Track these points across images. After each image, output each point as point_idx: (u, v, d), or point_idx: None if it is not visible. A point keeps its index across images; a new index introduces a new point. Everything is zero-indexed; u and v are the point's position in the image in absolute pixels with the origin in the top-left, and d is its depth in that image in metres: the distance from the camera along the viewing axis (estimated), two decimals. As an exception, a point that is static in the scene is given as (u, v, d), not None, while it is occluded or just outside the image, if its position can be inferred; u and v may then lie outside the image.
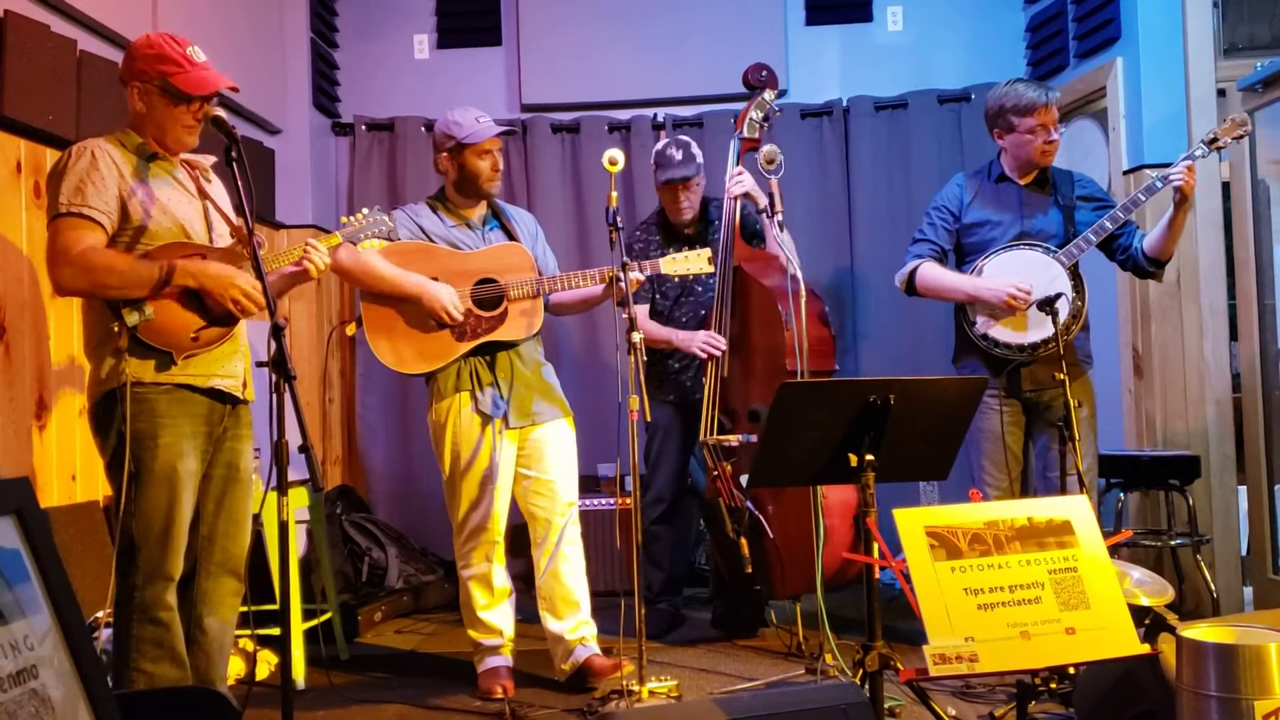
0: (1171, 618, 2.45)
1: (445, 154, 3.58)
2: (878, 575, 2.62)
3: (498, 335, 3.52)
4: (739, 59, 4.15)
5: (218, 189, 2.95)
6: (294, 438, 2.36)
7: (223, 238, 2.84)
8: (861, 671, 2.54)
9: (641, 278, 3.45)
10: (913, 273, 3.82)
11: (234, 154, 2.52)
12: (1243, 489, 4.35)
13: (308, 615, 3.95)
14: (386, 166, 5.49)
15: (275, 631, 3.34)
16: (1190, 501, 4.23)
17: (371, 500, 5.36)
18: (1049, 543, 2.38)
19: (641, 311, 4.19)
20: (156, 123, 2.74)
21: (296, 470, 2.48)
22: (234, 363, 2.83)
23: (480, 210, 3.67)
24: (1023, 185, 3.77)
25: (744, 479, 3.83)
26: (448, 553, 3.84)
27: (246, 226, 2.54)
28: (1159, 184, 3.51)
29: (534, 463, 3.60)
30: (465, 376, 3.53)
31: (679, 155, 4.11)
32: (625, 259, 3.37)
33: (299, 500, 3.88)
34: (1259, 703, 1.94)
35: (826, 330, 3.99)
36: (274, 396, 2.39)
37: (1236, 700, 1.96)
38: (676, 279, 4.13)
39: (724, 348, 3.96)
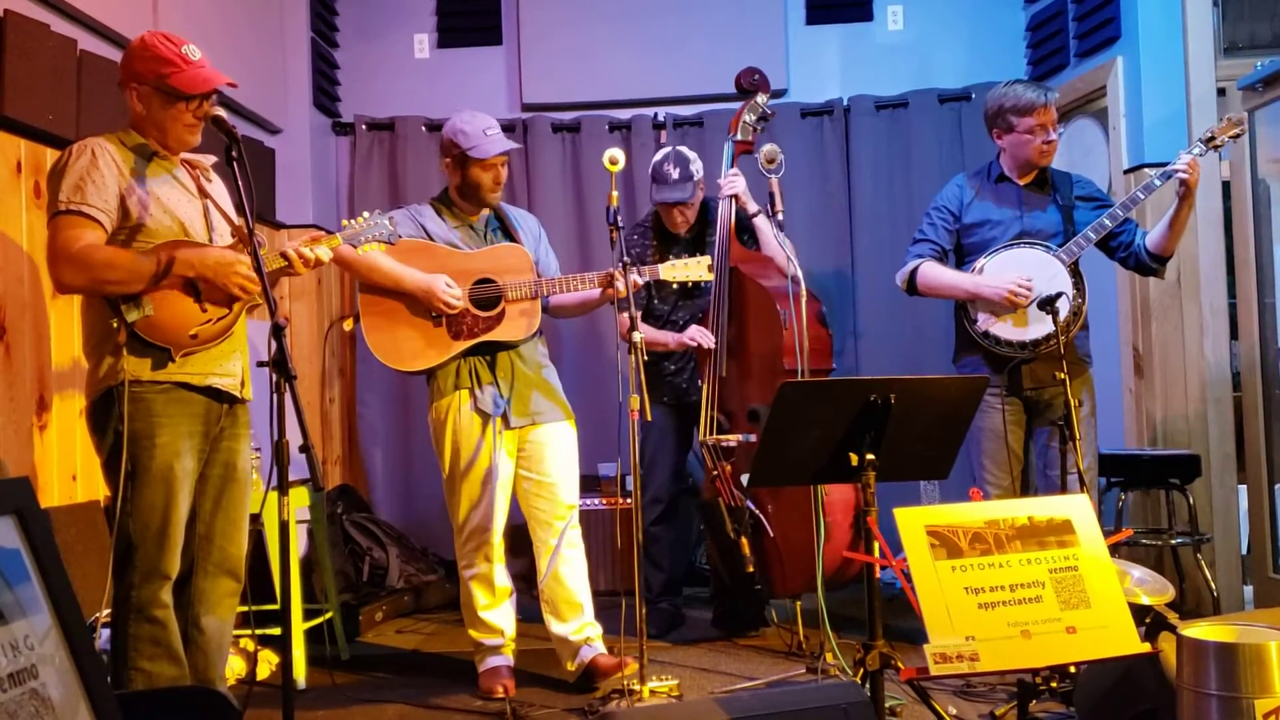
0: (1172, 617, 2.45)
1: (449, 160, 3.59)
2: (878, 574, 2.62)
3: (494, 335, 3.52)
4: (739, 58, 4.16)
5: (218, 188, 2.95)
6: (295, 437, 2.36)
7: (223, 237, 2.84)
8: (862, 670, 2.54)
9: (640, 282, 3.44)
10: (913, 272, 3.82)
11: (234, 154, 2.52)
12: (1243, 488, 4.35)
13: (309, 615, 3.96)
14: (387, 166, 5.49)
15: (276, 631, 3.35)
16: (1191, 500, 4.23)
17: (372, 500, 5.36)
18: (1050, 542, 2.38)
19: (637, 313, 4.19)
20: (156, 123, 2.74)
21: (297, 470, 2.48)
22: (232, 362, 2.82)
23: (483, 213, 3.68)
24: (1022, 185, 3.78)
25: (744, 478, 3.84)
26: (449, 552, 3.84)
27: (247, 226, 2.54)
28: (1158, 181, 3.52)
29: (534, 464, 3.59)
30: (465, 375, 3.53)
31: (675, 174, 4.07)
32: (625, 259, 3.38)
33: (300, 500, 3.88)
34: (1259, 701, 1.94)
35: (824, 329, 3.99)
36: (275, 396, 2.39)
37: (1237, 699, 1.96)
38: (675, 285, 4.13)
39: (712, 341, 3.97)
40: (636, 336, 3.27)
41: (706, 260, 3.58)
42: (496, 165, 3.56)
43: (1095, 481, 3.80)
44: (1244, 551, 4.45)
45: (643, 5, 5.41)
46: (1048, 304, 3.42)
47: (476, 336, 3.51)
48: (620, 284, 3.37)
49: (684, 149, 4.20)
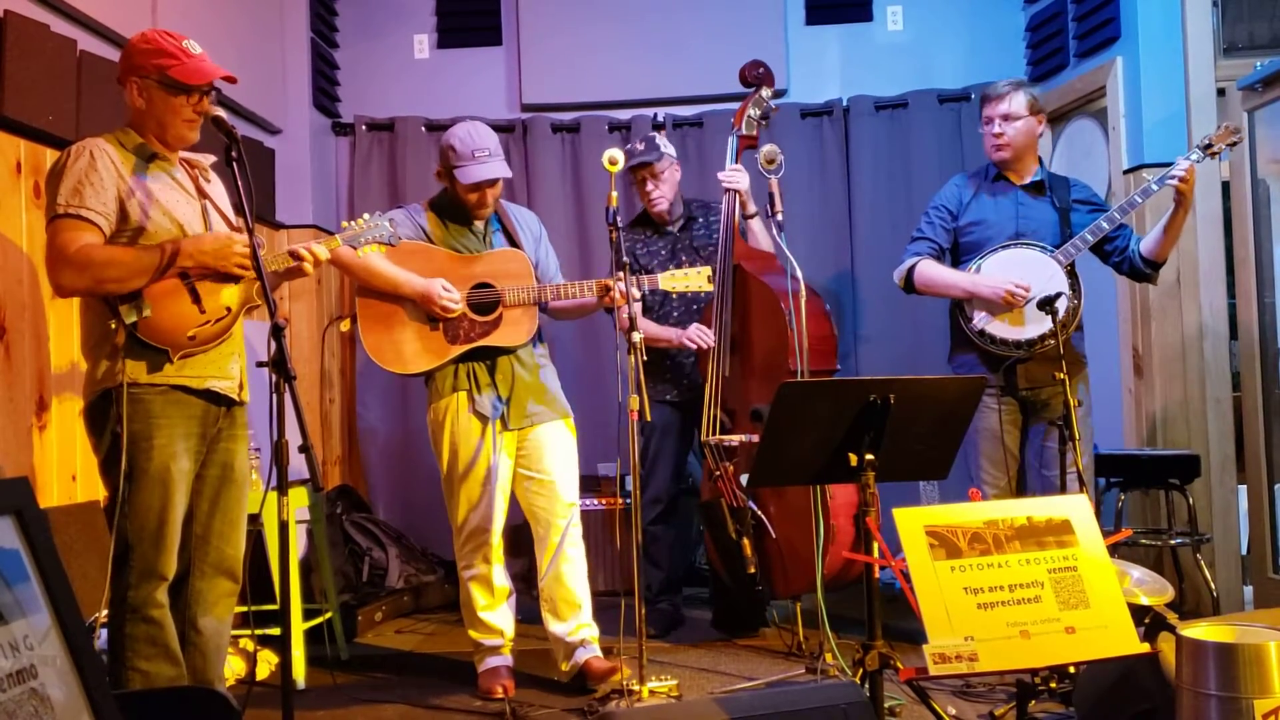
0: (1171, 617, 2.45)
1: (440, 169, 3.59)
2: (878, 575, 2.62)
3: (492, 340, 3.52)
4: (739, 59, 4.15)
5: (217, 188, 2.95)
6: (294, 438, 2.36)
7: (221, 237, 2.83)
8: (861, 671, 2.54)
9: (638, 294, 3.42)
10: (911, 270, 3.85)
11: (234, 154, 2.52)
12: (1243, 488, 4.34)
13: (308, 615, 3.96)
14: (387, 166, 5.49)
15: (275, 631, 3.35)
16: (1190, 500, 4.23)
17: (372, 500, 5.36)
18: (1049, 542, 2.38)
19: (636, 310, 4.19)
20: (156, 118, 2.73)
21: (296, 470, 2.48)
22: (230, 365, 2.82)
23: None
24: (1019, 186, 3.80)
25: (745, 478, 3.83)
26: (448, 553, 3.84)
27: (247, 227, 2.54)
28: (1155, 186, 3.54)
29: (534, 463, 3.59)
30: (463, 377, 3.53)
31: (641, 145, 4.16)
32: (626, 260, 3.37)
33: (299, 500, 3.88)
34: (1259, 702, 1.94)
35: (829, 329, 3.99)
36: (274, 396, 2.39)
37: (1236, 699, 1.96)
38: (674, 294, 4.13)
39: (711, 341, 3.97)
40: (636, 337, 3.27)
41: (706, 271, 3.57)
42: (482, 189, 3.53)
43: (1091, 481, 3.80)
44: (1243, 552, 4.44)
45: (642, 6, 5.41)
46: (1047, 304, 3.43)
47: (473, 341, 3.51)
48: (619, 288, 3.37)
49: (655, 133, 4.27)
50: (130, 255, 2.61)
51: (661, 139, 4.20)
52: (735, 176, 3.97)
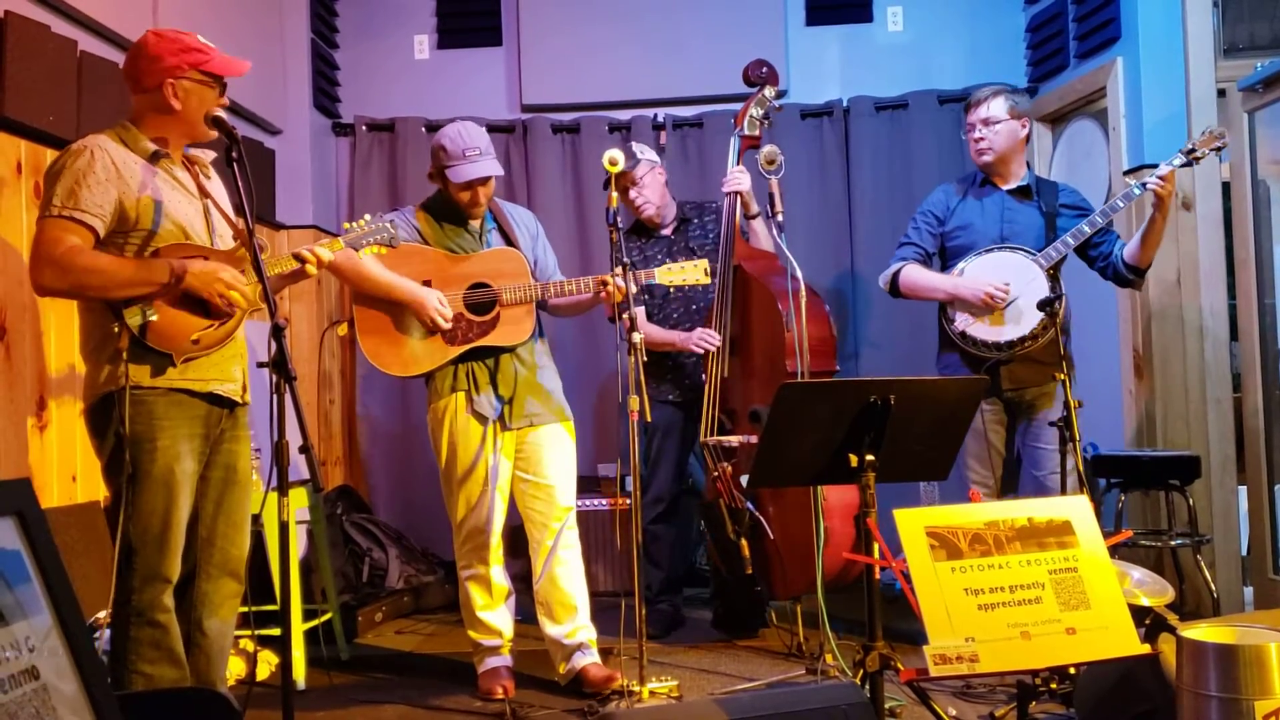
0: (1172, 618, 2.45)
1: (433, 169, 3.59)
2: (878, 575, 2.62)
3: (489, 340, 3.51)
4: (739, 59, 4.15)
5: (216, 186, 2.92)
6: (294, 438, 2.36)
7: (223, 238, 2.82)
8: (862, 672, 2.54)
9: (634, 289, 3.42)
10: (896, 274, 3.93)
11: (235, 154, 2.52)
12: (1243, 489, 4.34)
13: (308, 616, 3.96)
14: (387, 167, 5.49)
15: (276, 632, 3.34)
16: (1190, 501, 4.22)
17: (372, 501, 5.36)
18: (1049, 543, 2.38)
19: (641, 314, 4.20)
20: (189, 117, 2.72)
21: (297, 471, 2.48)
22: (234, 368, 2.82)
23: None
24: (1005, 191, 3.86)
25: (744, 479, 3.83)
26: (448, 553, 3.84)
27: (247, 228, 2.53)
28: (1138, 190, 3.60)
29: (531, 466, 3.59)
30: (463, 377, 3.53)
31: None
32: (626, 260, 3.37)
33: (299, 501, 3.88)
34: (1259, 703, 1.94)
35: (828, 330, 3.99)
36: (274, 397, 2.39)
37: (1237, 700, 1.96)
38: (673, 288, 4.13)
39: (718, 343, 3.97)
40: (636, 337, 3.27)
41: (704, 264, 3.57)
42: (474, 187, 3.52)
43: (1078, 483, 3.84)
44: (1244, 553, 4.44)
45: (642, 6, 5.41)
46: (1046, 305, 3.47)
47: (471, 341, 3.51)
48: (618, 283, 3.37)
49: (631, 142, 4.28)
50: (115, 265, 2.59)
51: (639, 145, 4.20)
52: (737, 178, 3.97)
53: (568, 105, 5.46)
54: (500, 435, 3.54)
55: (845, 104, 5.36)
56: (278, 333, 2.40)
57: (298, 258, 2.84)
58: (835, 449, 2.60)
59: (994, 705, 3.17)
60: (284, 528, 2.39)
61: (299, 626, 3.73)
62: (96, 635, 2.86)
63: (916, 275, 3.87)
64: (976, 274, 3.73)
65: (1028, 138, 3.97)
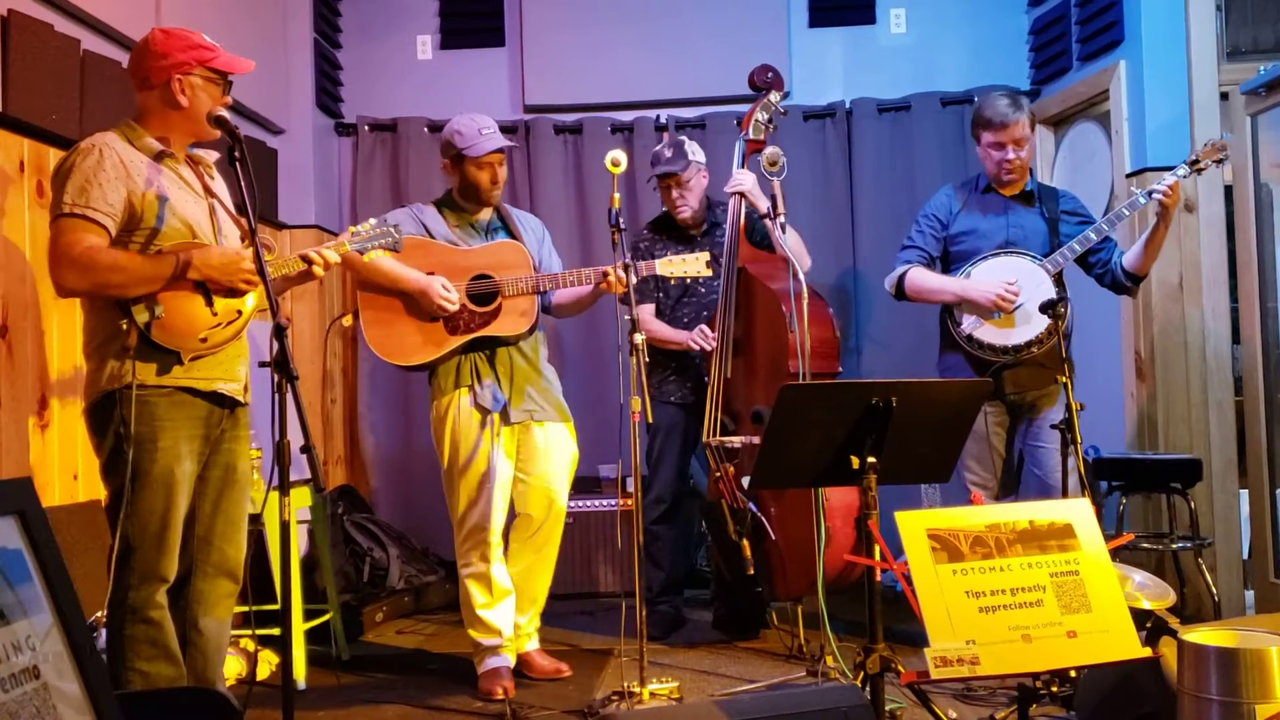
0: (1173, 621, 2.45)
1: (448, 161, 3.63)
2: (879, 577, 2.62)
3: (491, 330, 3.55)
4: (742, 61, 4.16)
5: (220, 186, 2.93)
6: (296, 438, 2.36)
7: (229, 238, 2.83)
8: (862, 674, 2.54)
9: (634, 279, 3.44)
10: (901, 277, 3.91)
11: (237, 154, 2.52)
12: (1244, 492, 4.34)
13: (309, 615, 3.96)
14: (389, 167, 5.49)
15: (276, 631, 3.35)
16: (1192, 505, 4.22)
17: (373, 500, 5.37)
18: (1050, 546, 2.38)
19: (648, 311, 4.22)
20: (194, 115, 2.73)
21: (298, 470, 2.48)
22: (238, 367, 2.82)
23: (486, 214, 3.71)
24: (1008, 196, 3.86)
25: (746, 480, 3.84)
26: (449, 553, 3.85)
27: (250, 228, 2.54)
28: (1142, 199, 3.59)
29: (530, 464, 3.64)
30: (466, 372, 3.57)
31: (669, 153, 4.15)
32: (628, 261, 3.38)
33: (300, 500, 3.88)
34: (1260, 706, 1.94)
35: (832, 332, 3.99)
36: (276, 397, 2.39)
37: (1238, 704, 1.96)
38: (674, 281, 4.14)
39: (710, 343, 3.99)
40: (638, 338, 3.27)
41: (705, 256, 3.59)
42: (492, 164, 3.60)
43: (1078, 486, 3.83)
44: (1245, 556, 4.44)
45: (645, 7, 5.41)
46: (1049, 307, 3.45)
47: (473, 331, 3.54)
48: (619, 274, 3.39)
49: (684, 137, 4.24)
50: (135, 263, 2.60)
51: (691, 145, 4.18)
52: (739, 180, 3.98)
53: (570, 106, 5.47)
54: (502, 431, 3.57)
55: (848, 106, 5.36)
56: (279, 333, 2.40)
57: (305, 259, 2.85)
58: (837, 451, 2.60)
59: (995, 708, 3.17)
60: (285, 527, 2.39)
61: (300, 626, 3.73)
62: (96, 634, 2.86)
63: (923, 278, 3.86)
64: (984, 277, 3.73)
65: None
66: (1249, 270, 4.19)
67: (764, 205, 4.03)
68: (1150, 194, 3.56)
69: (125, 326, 2.61)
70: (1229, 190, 4.34)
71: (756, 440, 3.78)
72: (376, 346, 3.55)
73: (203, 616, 2.81)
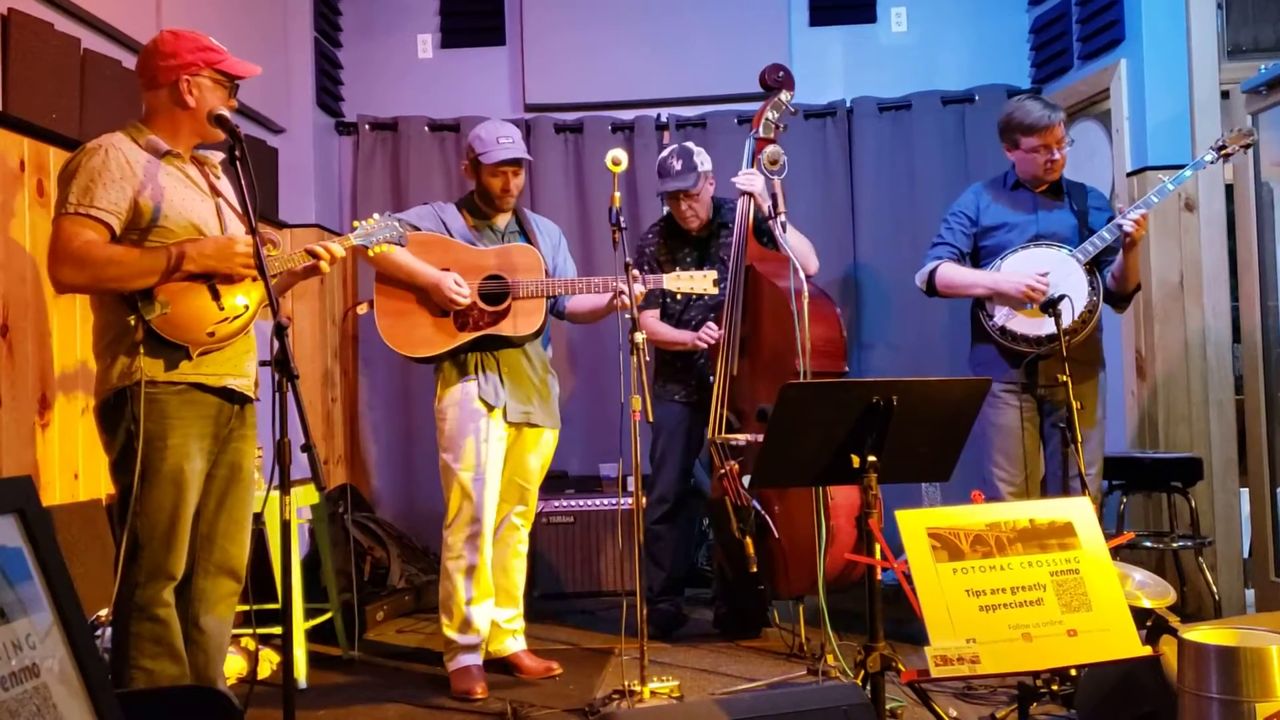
0: (1173, 620, 2.45)
1: (467, 164, 3.73)
2: (880, 576, 2.62)
3: (499, 330, 3.61)
4: (743, 60, 4.16)
5: (225, 187, 2.94)
6: (296, 437, 2.36)
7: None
8: (863, 673, 2.54)
9: (641, 290, 3.46)
10: (932, 273, 3.90)
11: (237, 153, 2.52)
12: (1245, 491, 4.34)
13: (310, 614, 3.96)
14: (390, 166, 5.49)
15: (277, 630, 3.35)
16: (1192, 504, 4.22)
17: (374, 499, 5.37)
18: (1051, 544, 2.38)
19: (653, 315, 4.23)
20: (199, 116, 2.74)
21: (299, 469, 2.48)
22: (247, 363, 2.83)
23: (505, 218, 3.79)
24: (1037, 192, 3.84)
25: (748, 478, 3.84)
26: (449, 552, 3.84)
27: (250, 226, 2.54)
28: (1171, 185, 3.56)
29: (517, 464, 3.71)
30: (471, 367, 3.63)
31: (678, 165, 4.12)
32: (629, 260, 3.39)
33: (301, 499, 3.89)
34: (1260, 705, 1.94)
35: (838, 332, 3.99)
36: (277, 395, 2.40)
37: (1238, 702, 1.96)
38: (679, 295, 4.14)
39: (717, 338, 4.00)
40: (639, 337, 3.28)
41: (712, 275, 3.63)
42: (506, 173, 3.66)
43: (1099, 486, 3.81)
44: (1245, 555, 4.44)
45: (646, 6, 5.41)
46: (1050, 305, 3.45)
47: (481, 329, 3.60)
48: (625, 290, 3.41)
49: (690, 144, 4.22)
50: (133, 256, 2.61)
51: (700, 154, 4.15)
52: (749, 180, 3.98)
53: (571, 105, 5.47)
54: (504, 429, 3.63)
55: (849, 104, 5.36)
56: (280, 331, 2.41)
57: (311, 253, 2.85)
58: (837, 449, 2.60)
59: (995, 707, 3.17)
60: (286, 526, 2.40)
61: (300, 625, 3.73)
62: (98, 633, 2.86)
63: (954, 272, 3.86)
64: (1014, 269, 3.72)
65: None
66: (1250, 269, 4.19)
67: (766, 205, 4.03)
68: (1179, 180, 3.57)
69: (133, 322, 2.62)
70: (1230, 189, 4.34)
71: (760, 438, 3.77)
72: (388, 336, 3.62)
73: (204, 615, 2.81)
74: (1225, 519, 4.38)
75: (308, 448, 2.34)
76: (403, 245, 3.25)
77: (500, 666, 3.74)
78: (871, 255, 5.29)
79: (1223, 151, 3.61)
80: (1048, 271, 3.64)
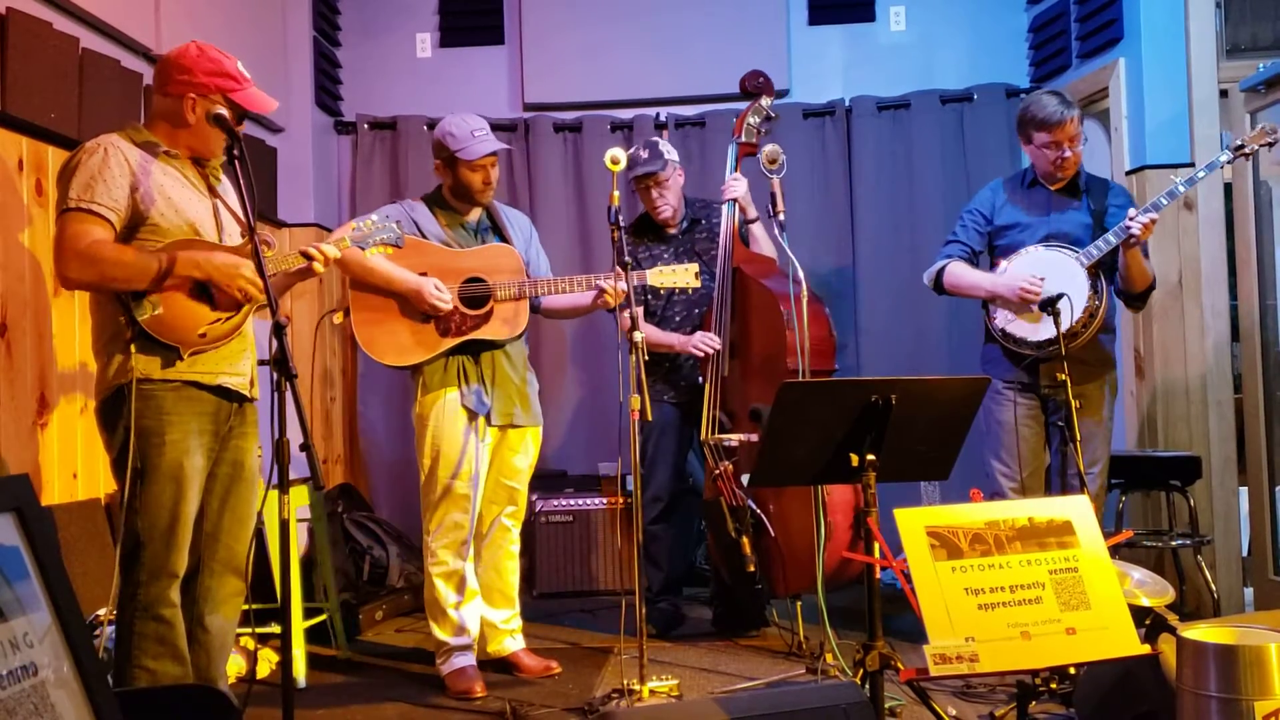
0: (1172, 618, 2.45)
1: (440, 162, 3.64)
2: (879, 574, 2.62)
3: (481, 334, 3.56)
4: (741, 59, 4.17)
5: (226, 187, 2.94)
6: (295, 436, 2.36)
7: (233, 237, 2.83)
8: (862, 671, 2.54)
9: (624, 288, 3.45)
10: (940, 271, 3.91)
11: (236, 152, 2.52)
12: (1244, 490, 4.34)
13: (308, 614, 3.95)
14: (389, 165, 5.49)
15: (276, 630, 3.35)
16: (1191, 502, 4.23)
17: (372, 499, 5.37)
18: (1050, 543, 2.38)
19: (639, 313, 4.21)
20: (201, 135, 2.74)
21: (298, 468, 2.48)
22: (242, 361, 2.83)
23: (475, 213, 3.72)
24: (1053, 190, 3.83)
25: (745, 478, 3.84)
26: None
27: (249, 225, 2.55)
28: (1182, 186, 3.55)
29: (503, 466, 3.68)
30: (453, 372, 3.57)
31: (645, 153, 4.15)
32: (625, 259, 3.39)
33: (300, 498, 3.88)
34: (1259, 703, 1.94)
35: (828, 331, 4.00)
36: (275, 395, 2.40)
37: (1237, 701, 1.96)
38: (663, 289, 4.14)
39: (718, 346, 3.99)
40: (637, 336, 3.28)
41: (694, 268, 3.62)
42: (486, 166, 3.60)
43: (1103, 486, 3.80)
44: (1244, 553, 4.44)
45: (645, 5, 5.41)
46: (1048, 305, 3.45)
47: (463, 334, 3.55)
48: (619, 285, 3.41)
49: (657, 139, 4.25)
50: (136, 257, 2.62)
51: (665, 145, 4.19)
52: (733, 186, 4.01)
53: (570, 104, 5.47)
54: (487, 432, 3.61)
55: (847, 104, 5.36)
56: (279, 331, 2.41)
57: (305, 255, 2.86)
58: (836, 448, 2.60)
59: (994, 705, 3.17)
60: (284, 525, 2.39)
61: (299, 624, 3.73)
62: (97, 633, 2.86)
63: (960, 273, 3.86)
64: (1018, 271, 3.72)
65: None
66: (1248, 268, 4.19)
67: (753, 212, 4.06)
68: (1191, 182, 3.56)
69: (124, 322, 2.63)
70: (1228, 188, 4.35)
71: (754, 438, 3.78)
72: (367, 346, 3.56)
73: (209, 614, 2.81)
74: (1224, 517, 4.39)
75: (306, 447, 2.34)
76: (400, 246, 3.20)
77: (499, 666, 3.73)
78: (870, 253, 5.29)
79: (1241, 151, 3.59)
80: (1043, 276, 3.62)
